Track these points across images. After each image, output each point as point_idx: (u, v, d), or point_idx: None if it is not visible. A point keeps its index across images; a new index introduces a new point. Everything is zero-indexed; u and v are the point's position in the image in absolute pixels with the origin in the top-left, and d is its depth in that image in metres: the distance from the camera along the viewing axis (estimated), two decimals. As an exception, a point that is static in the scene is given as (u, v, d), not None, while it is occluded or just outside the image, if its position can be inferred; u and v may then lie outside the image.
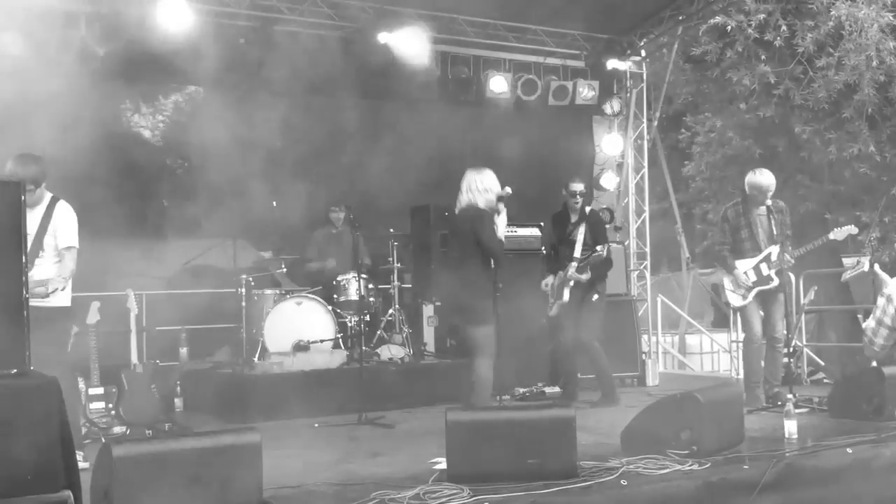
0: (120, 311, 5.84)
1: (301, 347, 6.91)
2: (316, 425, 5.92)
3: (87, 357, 5.61)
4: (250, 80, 7.85)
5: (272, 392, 6.31)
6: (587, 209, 6.83)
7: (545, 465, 3.86)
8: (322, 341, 7.01)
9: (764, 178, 6.28)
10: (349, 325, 7.35)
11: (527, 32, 9.23)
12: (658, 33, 9.53)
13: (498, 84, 9.12)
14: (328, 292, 7.48)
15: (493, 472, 3.82)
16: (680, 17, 9.12)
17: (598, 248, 6.52)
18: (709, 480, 3.89)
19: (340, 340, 7.17)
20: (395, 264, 7.87)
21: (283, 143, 7.64)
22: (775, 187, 6.29)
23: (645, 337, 9.05)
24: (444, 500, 3.55)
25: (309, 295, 7.21)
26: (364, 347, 6.68)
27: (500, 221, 5.63)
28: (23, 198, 3.26)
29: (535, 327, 7.15)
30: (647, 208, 10.10)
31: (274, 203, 7.32)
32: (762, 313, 6.42)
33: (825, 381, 8.20)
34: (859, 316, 9.68)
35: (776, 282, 6.24)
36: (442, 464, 4.03)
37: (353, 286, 7.43)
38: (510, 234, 7.80)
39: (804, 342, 8.48)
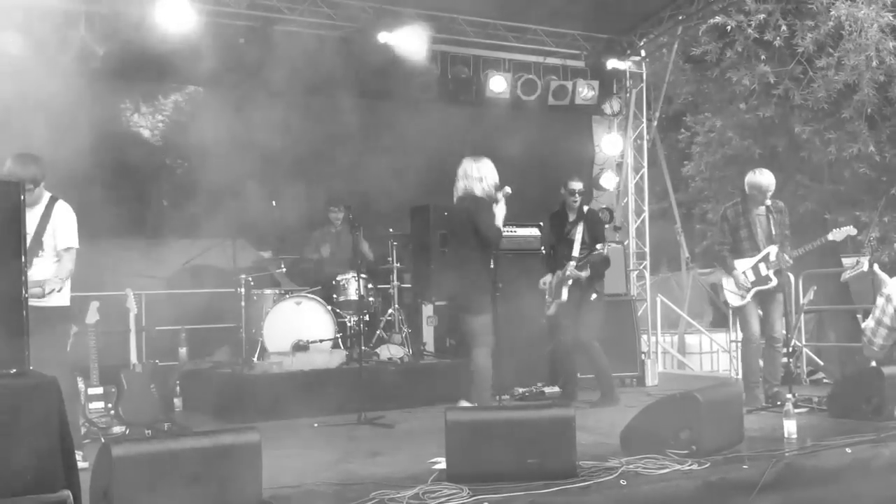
0: (119, 311, 5.84)
1: (300, 347, 6.90)
2: (315, 425, 5.92)
3: (86, 357, 5.60)
4: (250, 80, 7.84)
5: (272, 392, 6.31)
6: (585, 208, 6.84)
7: (545, 464, 3.85)
8: (321, 341, 7.01)
9: (764, 177, 6.28)
10: (348, 324, 7.35)
11: (526, 32, 9.22)
12: (658, 33, 9.53)
13: (497, 84, 9.12)
14: (327, 292, 7.48)
15: (492, 471, 3.82)
16: (680, 17, 9.12)
17: (599, 246, 6.53)
18: (708, 480, 3.89)
19: (340, 340, 7.17)
20: (395, 264, 7.87)
21: (282, 143, 7.63)
22: (775, 187, 6.30)
23: (644, 337, 9.05)
24: (443, 499, 3.55)
25: (308, 295, 7.21)
26: (363, 347, 6.68)
27: (499, 211, 5.64)
28: (22, 198, 3.26)
29: (534, 327, 7.15)
30: (646, 208, 10.10)
31: (273, 203, 7.32)
32: (761, 313, 6.42)
33: (824, 380, 8.20)
34: (858, 316, 9.68)
35: (774, 282, 6.24)
36: (441, 463, 4.03)
37: (352, 286, 7.43)
38: (510, 234, 7.81)
39: (803, 342, 8.48)
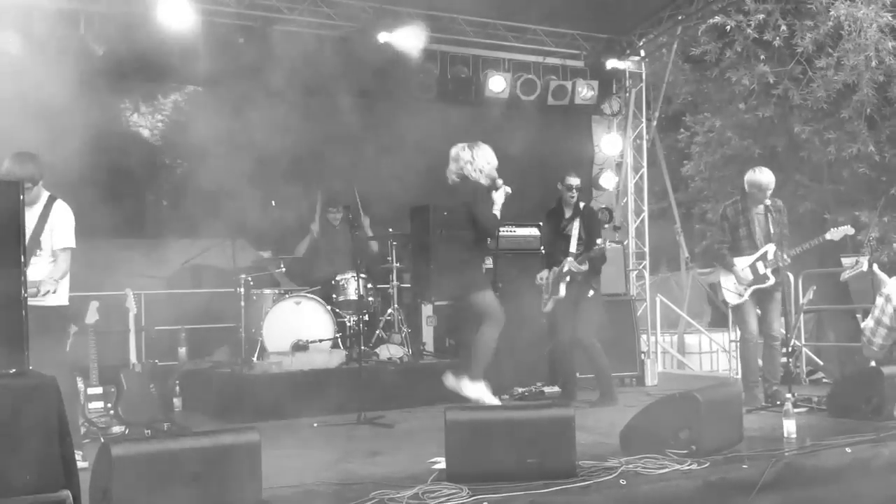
0: (119, 311, 5.84)
1: (300, 347, 6.90)
2: (315, 425, 5.91)
3: (85, 357, 5.60)
4: (249, 80, 7.84)
5: (271, 392, 6.30)
6: (581, 204, 6.85)
7: (544, 464, 3.85)
8: (321, 341, 7.01)
9: (763, 176, 6.29)
10: (348, 324, 7.35)
11: (526, 32, 9.22)
12: (657, 33, 9.52)
13: (497, 84, 9.12)
14: (327, 292, 7.48)
15: (492, 471, 3.82)
16: (679, 17, 9.12)
17: (599, 241, 6.55)
18: (708, 480, 3.89)
19: (339, 340, 7.17)
20: (395, 264, 7.86)
21: (281, 143, 7.63)
22: (774, 186, 6.31)
23: (644, 337, 9.06)
24: (443, 499, 3.54)
25: (308, 294, 7.21)
26: (363, 347, 6.68)
27: (498, 198, 5.63)
28: (22, 198, 3.26)
29: (534, 327, 7.14)
30: (646, 208, 10.10)
31: (273, 203, 7.32)
32: (759, 312, 6.43)
33: (824, 380, 8.20)
34: (858, 316, 9.69)
35: (772, 280, 6.25)
36: (441, 463, 4.03)
37: (351, 286, 7.43)
38: (510, 233, 7.82)
39: (803, 342, 8.48)
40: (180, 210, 7.68)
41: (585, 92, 9.53)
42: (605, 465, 4.01)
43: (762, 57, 11.13)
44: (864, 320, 6.68)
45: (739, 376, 7.21)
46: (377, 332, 7.67)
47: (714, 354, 12.42)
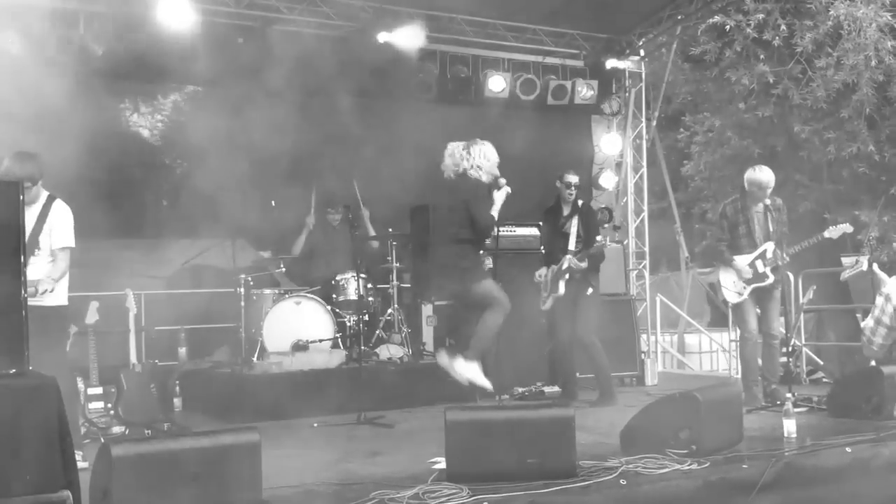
0: (119, 311, 5.84)
1: (300, 347, 6.90)
2: (315, 425, 5.91)
3: (85, 357, 5.60)
4: (248, 80, 7.83)
5: (271, 392, 6.30)
6: (580, 202, 6.85)
7: (544, 464, 3.85)
8: (321, 341, 7.01)
9: (763, 174, 6.30)
10: (348, 324, 7.34)
11: (526, 32, 9.22)
12: (657, 33, 9.52)
13: (496, 83, 9.11)
14: (327, 292, 7.48)
15: (492, 471, 3.82)
16: (679, 17, 9.12)
17: (599, 238, 6.55)
18: (708, 480, 3.89)
19: (339, 340, 7.16)
20: (395, 264, 7.86)
21: (281, 143, 7.62)
22: (774, 185, 6.31)
23: (644, 336, 9.06)
24: (443, 499, 3.55)
25: (308, 295, 7.21)
26: (363, 347, 6.69)
27: (499, 198, 5.60)
28: (21, 198, 3.26)
29: (534, 327, 7.14)
30: (645, 208, 10.10)
31: (273, 203, 7.32)
32: (758, 311, 6.43)
33: (824, 380, 8.20)
34: (858, 315, 9.68)
35: (771, 279, 6.25)
36: (441, 463, 4.03)
37: (351, 286, 7.43)
38: (510, 233, 7.81)
39: (803, 341, 8.48)
40: (180, 210, 7.68)
41: (585, 92, 9.53)
42: (606, 465, 4.02)
43: (762, 56, 11.13)
44: (864, 320, 6.68)
45: (739, 376, 7.21)
46: (377, 332, 7.66)
47: (714, 354, 12.42)
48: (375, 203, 8.11)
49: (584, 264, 6.52)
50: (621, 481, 3.80)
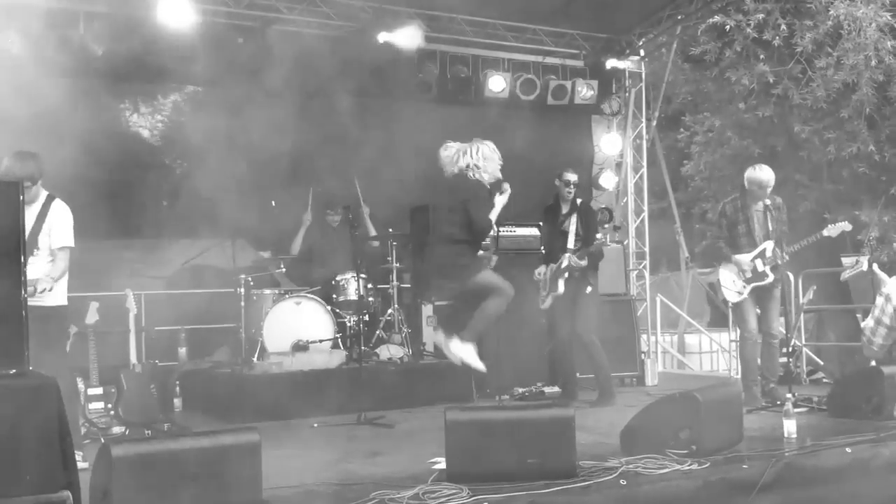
0: (119, 311, 5.84)
1: (300, 347, 6.90)
2: (315, 425, 5.91)
3: (85, 357, 5.60)
4: (248, 80, 7.83)
5: (271, 392, 6.30)
6: (579, 200, 6.85)
7: (544, 464, 3.85)
8: (321, 341, 7.01)
9: (763, 173, 6.30)
10: (348, 324, 7.34)
11: (526, 32, 9.22)
12: (657, 33, 9.52)
13: (496, 83, 9.11)
14: (327, 292, 7.48)
15: (492, 471, 3.82)
16: (679, 17, 9.12)
17: (598, 236, 6.55)
18: (708, 480, 3.89)
19: (339, 340, 7.16)
20: (395, 264, 7.86)
21: (281, 143, 7.62)
22: (774, 184, 6.31)
23: (644, 336, 9.05)
24: (443, 499, 3.55)
25: (308, 295, 7.20)
26: (363, 347, 6.68)
27: (499, 202, 5.59)
28: (21, 198, 3.26)
29: (534, 327, 7.14)
30: (645, 208, 10.10)
31: (273, 203, 7.32)
32: (758, 310, 6.43)
33: (824, 380, 8.20)
34: (858, 315, 9.68)
35: (771, 278, 6.25)
36: (441, 463, 4.03)
37: (351, 286, 7.43)
38: (510, 233, 7.81)
39: (803, 341, 8.49)
40: (180, 210, 7.67)
41: (585, 92, 9.53)
42: (606, 465, 4.02)
43: (762, 56, 11.13)
44: (864, 320, 6.68)
45: (739, 376, 7.21)
46: (377, 332, 7.66)
47: (714, 354, 12.42)
48: (375, 203, 8.12)
49: (583, 262, 6.52)
50: (621, 481, 3.80)
